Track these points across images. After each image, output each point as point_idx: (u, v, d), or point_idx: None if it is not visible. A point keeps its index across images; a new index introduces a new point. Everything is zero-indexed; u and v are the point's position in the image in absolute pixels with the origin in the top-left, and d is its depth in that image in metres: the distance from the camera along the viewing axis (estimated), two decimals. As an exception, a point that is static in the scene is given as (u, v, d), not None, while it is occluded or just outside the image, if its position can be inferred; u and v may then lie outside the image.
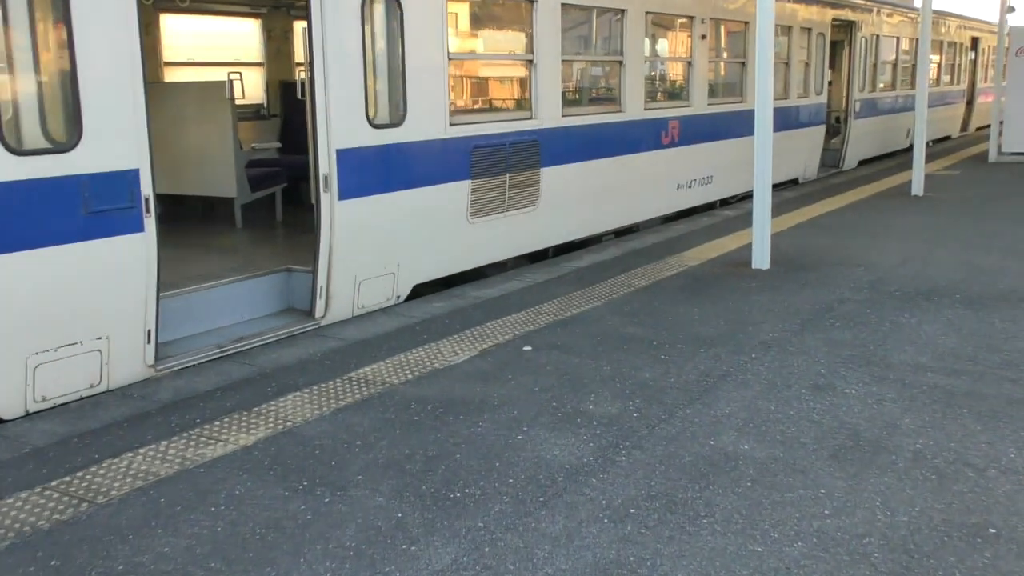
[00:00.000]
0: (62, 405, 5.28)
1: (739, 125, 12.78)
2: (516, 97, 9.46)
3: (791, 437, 4.59)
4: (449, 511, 3.87)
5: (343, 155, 7.00)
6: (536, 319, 6.98)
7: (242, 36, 11.03)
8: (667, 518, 3.78)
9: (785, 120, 14.48)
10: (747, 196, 12.87)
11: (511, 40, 9.21)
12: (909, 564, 3.40)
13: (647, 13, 10.69)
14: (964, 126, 27.00)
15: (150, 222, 5.67)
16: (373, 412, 5.05)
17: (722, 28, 13.05)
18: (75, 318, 5.34)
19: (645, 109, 10.86)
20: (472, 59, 9.39)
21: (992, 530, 3.65)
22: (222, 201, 9.48)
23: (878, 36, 18.61)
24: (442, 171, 8.01)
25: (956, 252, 9.23)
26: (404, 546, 3.60)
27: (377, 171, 7.34)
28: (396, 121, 7.51)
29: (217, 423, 4.90)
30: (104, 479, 4.24)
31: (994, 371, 5.59)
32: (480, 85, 9.13)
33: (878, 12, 18.59)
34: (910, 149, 21.54)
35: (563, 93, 9.55)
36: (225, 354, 6.27)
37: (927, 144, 15.71)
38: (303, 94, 7.09)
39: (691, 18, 11.70)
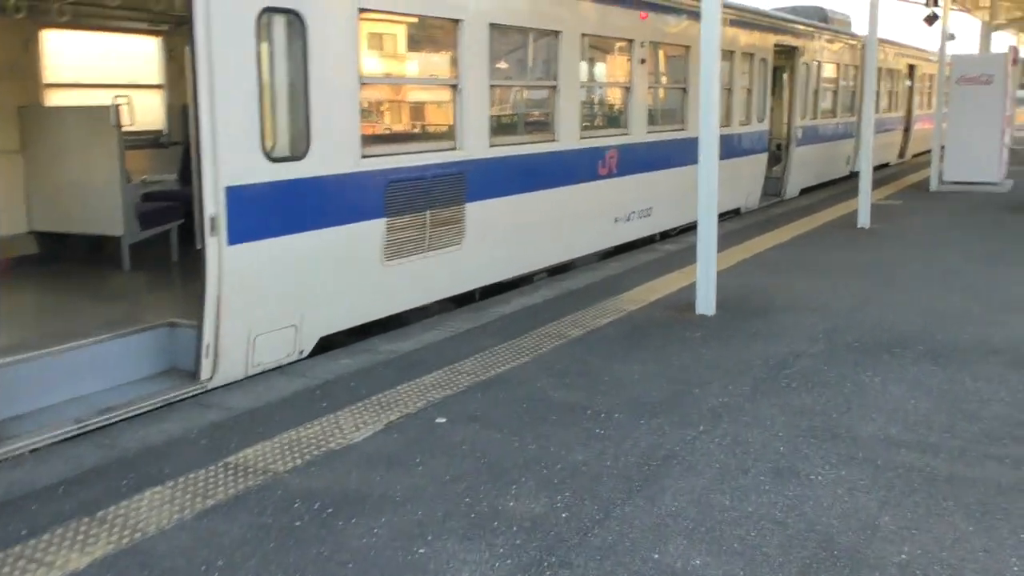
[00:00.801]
0: None
1: (680, 154, 12.12)
2: (439, 126, 8.63)
3: (752, 545, 3.79)
4: (320, 672, 2.98)
5: (234, 193, 6.08)
6: (454, 380, 6.12)
7: (139, 56, 10.02)
8: None
9: (727, 148, 13.83)
10: (689, 228, 12.21)
11: (434, 63, 8.38)
12: None
13: (583, 36, 9.96)
14: (902, 153, 26.87)
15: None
16: (247, 515, 4.14)
17: (662, 52, 12.40)
18: None
19: (581, 138, 10.11)
20: (389, 83, 8.50)
21: None
22: (111, 240, 8.47)
23: (820, 62, 18.20)
24: (353, 209, 7.13)
25: (913, 294, 8.59)
26: None
27: (275, 211, 6.44)
28: (298, 154, 6.61)
29: (47, 536, 3.94)
30: None
31: (974, 446, 4.87)
32: (398, 112, 8.28)
33: (820, 38, 18.20)
34: (850, 177, 21.31)
35: (492, 121, 8.74)
36: (84, 430, 5.30)
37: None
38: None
39: (630, 41, 11.01)
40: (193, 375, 6.15)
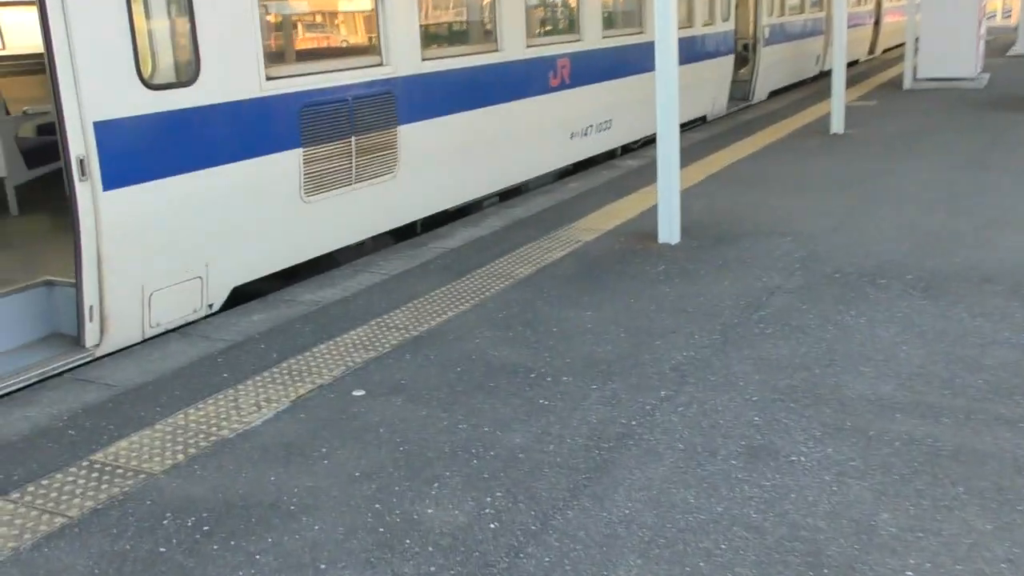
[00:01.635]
0: None
1: (640, 60, 11.15)
2: (360, 39, 7.61)
3: (721, 564, 3.05)
4: None
5: (105, 129, 5.13)
6: (380, 338, 5.30)
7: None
8: None
9: (690, 51, 12.89)
10: (652, 140, 11.32)
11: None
12: None
13: (526, -71, 8.89)
14: (872, 49, 25.89)
15: None
16: (100, 539, 3.34)
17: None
18: None
19: (528, 47, 9.12)
20: None
21: None
22: (-3, 180, 7.49)
23: (787, -46, 17.10)
24: (260, 140, 6.19)
25: (895, 211, 7.82)
26: None
27: (161, 147, 5.49)
28: (185, 78, 5.64)
29: None
30: None
31: (981, 405, 4.14)
32: (310, 25, 7.25)
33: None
34: (819, 77, 20.37)
35: (423, 31, 7.74)
36: (-70, 422, 4.46)
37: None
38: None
39: (580, -65, 9.92)
40: (77, 341, 5.30)
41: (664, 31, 6.84)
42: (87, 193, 5.10)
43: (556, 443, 3.93)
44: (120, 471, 3.85)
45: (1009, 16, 48.46)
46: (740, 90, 16.02)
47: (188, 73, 5.65)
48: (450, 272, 6.58)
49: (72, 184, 5.05)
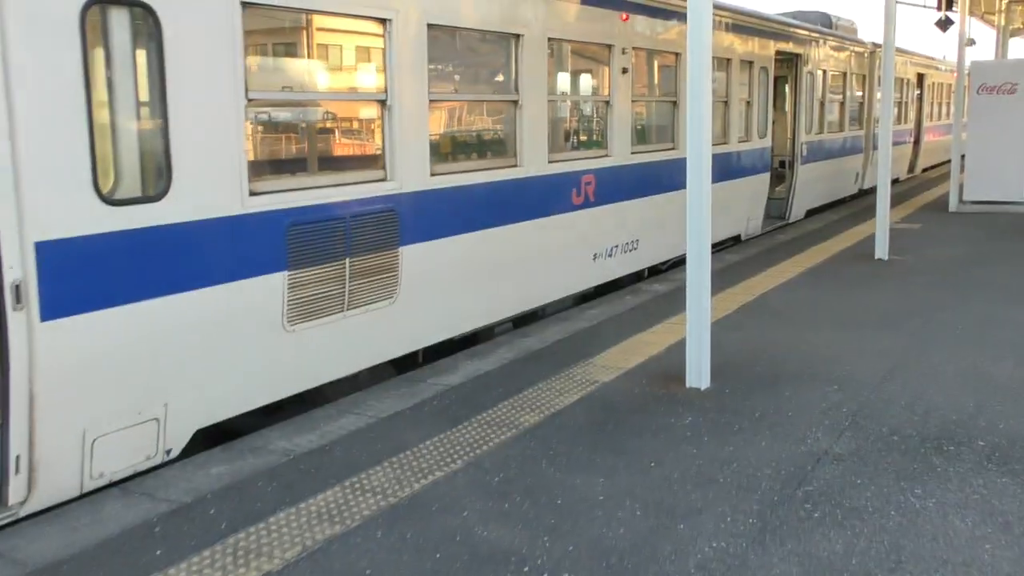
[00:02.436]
0: None
1: (671, 177, 10.48)
2: (362, 151, 7.01)
3: None
4: None
5: (49, 250, 4.46)
6: (352, 505, 4.47)
7: None
8: None
9: (725, 168, 12.26)
10: (681, 260, 10.58)
11: (354, 73, 6.76)
12: None
13: (550, 40, 8.34)
14: (911, 168, 25.27)
15: None
16: None
17: (649, 61, 10.79)
18: None
19: (550, 162, 8.48)
20: (289, 99, 6.78)
21: None
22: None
23: (825, 71, 16.61)
24: (238, 262, 5.49)
25: (954, 355, 6.94)
26: None
27: (118, 271, 4.80)
28: (153, 193, 4.99)
29: None
30: None
31: (1096, 640, 3.22)
32: (305, 135, 6.66)
33: (825, 44, 16.60)
34: (859, 195, 19.70)
35: (434, 145, 7.12)
36: None
37: (874, 189, 13.56)
38: None
39: (609, 47, 9.39)
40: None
41: (697, 149, 6.15)
42: (21, 324, 4.38)
43: None
44: None
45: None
46: (777, 208, 15.35)
47: (157, 186, 5.00)
48: (446, 417, 5.77)
49: (3, 312, 4.34)
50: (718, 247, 12.47)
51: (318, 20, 6.39)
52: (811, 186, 16.18)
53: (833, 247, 12.47)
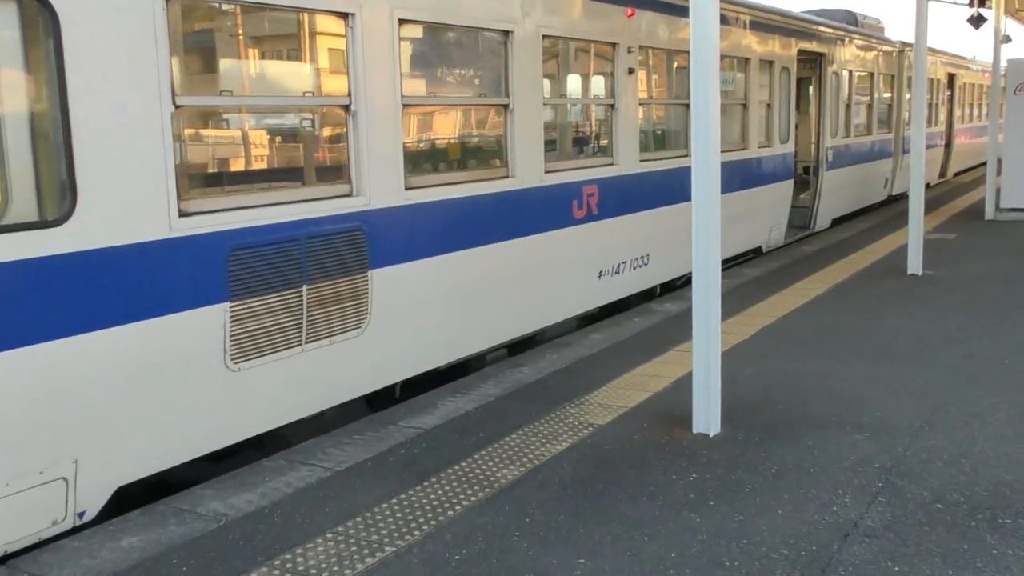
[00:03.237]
0: None
1: (684, 186, 9.59)
2: (322, 162, 6.23)
3: None
4: None
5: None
6: (275, 598, 3.69)
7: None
8: None
9: (744, 176, 11.43)
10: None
11: (311, 74, 5.99)
12: None
13: (545, 37, 7.54)
14: (943, 172, 24.22)
15: None
16: None
17: (660, 60, 9.96)
18: None
19: (547, 172, 7.68)
20: (223, 105, 5.87)
21: None
22: None
23: (851, 72, 15.69)
24: (166, 294, 4.73)
25: (1004, 394, 6.06)
26: None
27: (7, 308, 4.05)
28: (53, 216, 4.24)
29: None
30: None
31: None
32: (250, 144, 5.88)
33: (851, 43, 15.69)
34: (888, 202, 18.73)
35: (409, 155, 6.34)
36: None
37: (904, 195, 12.66)
38: None
39: (613, 46, 8.57)
40: None
41: (703, 157, 5.34)
42: None
43: None
44: None
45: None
46: (800, 217, 14.45)
47: (57, 208, 4.25)
48: (412, 471, 4.97)
49: None
50: (737, 260, 11.62)
51: (267, 14, 5.61)
52: (837, 193, 15.26)
53: (861, 260, 11.57)
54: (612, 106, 8.66)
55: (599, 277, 8.68)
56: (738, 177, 11.10)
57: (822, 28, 14.23)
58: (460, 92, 7.51)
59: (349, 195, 5.81)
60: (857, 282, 10.10)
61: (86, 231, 4.30)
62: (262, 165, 5.94)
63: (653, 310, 8.98)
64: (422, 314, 6.44)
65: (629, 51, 8.66)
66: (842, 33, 15.20)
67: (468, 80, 7.55)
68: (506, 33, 7.05)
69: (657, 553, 3.96)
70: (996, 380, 6.34)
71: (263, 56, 5.88)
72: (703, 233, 5.38)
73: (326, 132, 6.09)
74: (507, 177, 7.25)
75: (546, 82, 7.94)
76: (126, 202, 4.47)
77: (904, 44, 18.30)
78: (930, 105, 21.73)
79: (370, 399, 6.46)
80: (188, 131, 5.17)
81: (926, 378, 6.41)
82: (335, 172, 5.96)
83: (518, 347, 7.86)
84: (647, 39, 9.06)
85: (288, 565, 3.93)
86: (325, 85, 5.89)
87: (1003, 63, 16.53)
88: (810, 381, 6.41)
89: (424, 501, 4.57)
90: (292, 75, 6.04)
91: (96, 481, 4.52)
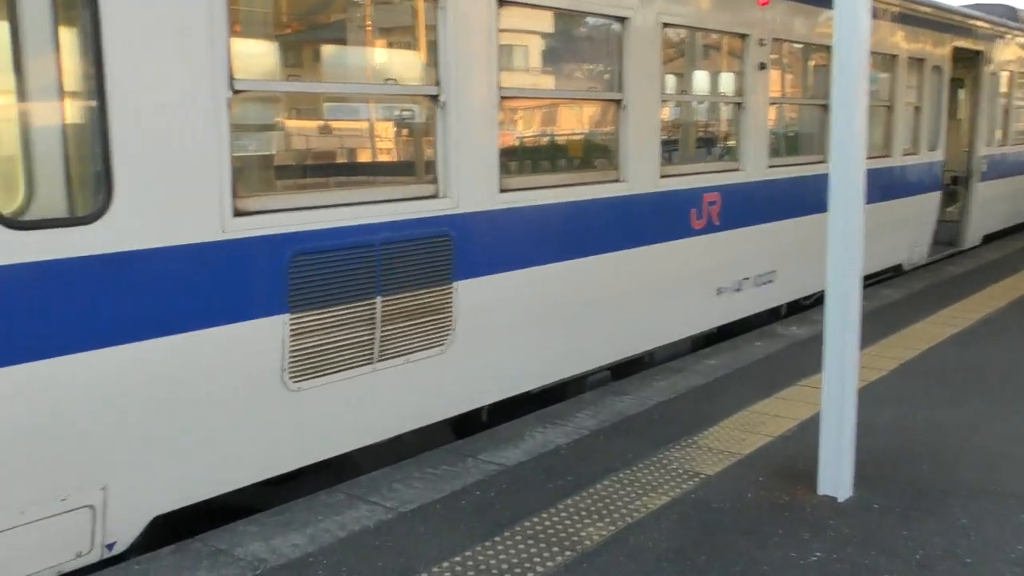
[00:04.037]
0: None
1: (818, 195, 8.65)
2: (403, 159, 5.61)
3: None
4: None
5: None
6: None
7: None
8: None
9: (887, 186, 10.33)
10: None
11: (394, 61, 5.38)
12: None
13: (666, 26, 6.74)
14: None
15: None
16: None
17: (795, 55, 9.02)
18: None
19: (663, 177, 6.88)
20: (296, 91, 5.22)
21: None
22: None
23: (1012, 72, 14.25)
24: (214, 303, 4.18)
25: None
26: None
27: (25, 315, 3.55)
28: (83, 213, 3.73)
29: None
30: None
31: None
32: (322, 138, 5.29)
33: (1012, 41, 14.24)
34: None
35: (505, 153, 5.67)
36: None
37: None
38: None
39: (743, 38, 7.70)
40: None
41: (845, 164, 4.47)
42: None
43: None
44: None
45: None
46: (947, 232, 13.15)
47: (89, 203, 3.74)
48: (484, 520, 4.30)
49: None
50: (874, 279, 10.53)
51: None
52: (990, 207, 13.87)
53: (1020, 285, 10.31)
54: (739, 105, 7.79)
55: (718, 294, 7.83)
56: (878, 187, 10.00)
57: (979, 23, 12.89)
58: (567, 85, 6.79)
59: (434, 196, 5.17)
60: (1015, 312, 8.92)
61: (122, 231, 3.77)
62: (332, 160, 5.34)
63: (778, 333, 8.07)
64: (513, 331, 5.77)
65: (761, 44, 7.78)
66: (1002, 29, 13.79)
67: (576, 72, 6.83)
68: (622, 20, 6.29)
69: (769, 663, 3.18)
70: None
71: (336, 39, 5.28)
72: (840, 254, 4.52)
73: (409, 126, 5.47)
74: (617, 181, 6.50)
75: (667, 77, 7.14)
76: (171, 199, 3.93)
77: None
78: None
79: (455, 423, 5.85)
80: (248, 120, 4.62)
81: (1108, 439, 5.37)
82: (418, 170, 5.34)
83: (623, 370, 7.11)
84: (782, 31, 8.15)
85: (321, 638, 3.32)
86: (410, 72, 5.27)
87: None
88: (961, 434, 5.45)
89: (492, 563, 3.89)
90: (372, 60, 5.44)
91: (129, 510, 4.01)
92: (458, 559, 3.92)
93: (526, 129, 6.44)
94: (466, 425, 5.87)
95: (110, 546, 4.00)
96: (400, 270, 4.96)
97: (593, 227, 6.31)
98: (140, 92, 3.76)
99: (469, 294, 5.37)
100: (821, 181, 4.72)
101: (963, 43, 12.24)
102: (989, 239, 14.21)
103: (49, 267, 3.58)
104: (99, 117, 3.66)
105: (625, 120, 6.44)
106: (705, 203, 7.37)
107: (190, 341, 4.08)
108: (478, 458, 5.12)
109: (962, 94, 13.63)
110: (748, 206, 7.91)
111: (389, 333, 4.95)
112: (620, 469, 4.92)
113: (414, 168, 5.40)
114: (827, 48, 8.76)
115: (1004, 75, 13.92)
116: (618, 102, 6.39)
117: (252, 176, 4.65)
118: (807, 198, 8.57)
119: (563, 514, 4.37)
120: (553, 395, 6.38)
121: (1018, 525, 4.24)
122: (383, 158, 5.49)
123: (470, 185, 5.30)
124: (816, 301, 9.36)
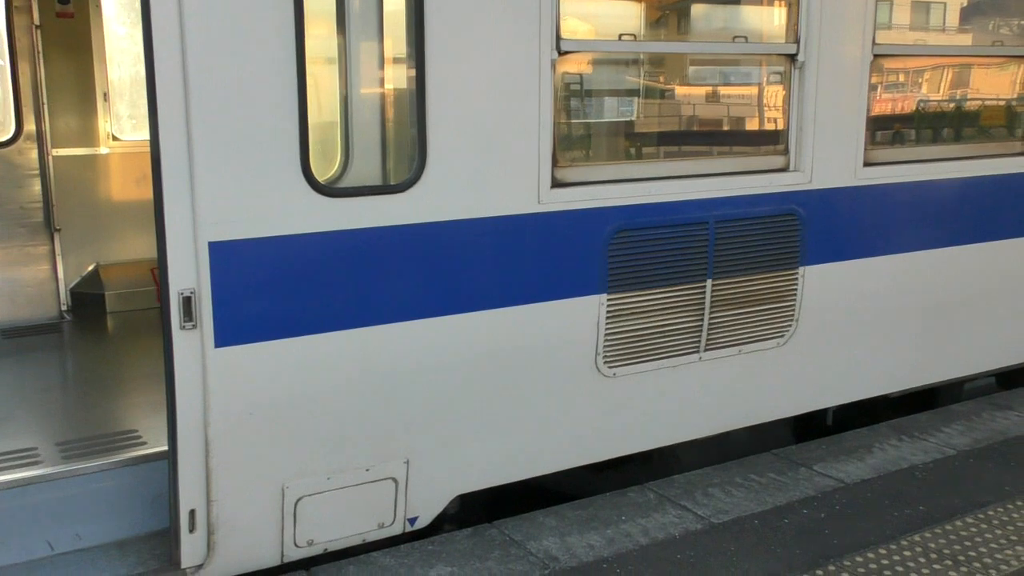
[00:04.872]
0: None
1: None
2: (743, 127, 4.98)
3: None
4: None
5: (227, 253, 3.32)
6: None
7: None
8: None
9: None
10: None
11: (744, 16, 4.77)
12: None
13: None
14: None
15: None
16: None
17: None
18: None
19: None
20: (620, 51, 4.66)
21: None
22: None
23: None
24: (523, 281, 3.95)
25: None
26: None
27: (320, 285, 3.51)
28: (397, 179, 3.65)
29: None
30: None
31: None
32: (649, 103, 4.76)
33: None
34: None
35: (872, 120, 4.87)
36: None
37: None
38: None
39: None
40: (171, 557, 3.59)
41: None
42: (192, 347, 3.32)
43: None
44: None
45: None
46: None
47: (401, 170, 3.65)
48: (806, 548, 3.71)
49: (168, 332, 3.30)
50: None
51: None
52: None
53: None
54: None
55: None
56: None
57: None
58: (958, 40, 5.74)
59: (783, 170, 4.56)
60: None
61: (435, 200, 3.64)
62: (656, 128, 4.88)
63: None
64: (869, 325, 5.01)
65: None
66: None
67: (974, 25, 5.75)
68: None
69: None
70: None
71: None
72: None
73: (754, 89, 4.87)
74: (1022, 153, 5.42)
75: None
76: (486, 168, 3.74)
77: None
78: None
79: (795, 425, 5.24)
80: (569, 83, 4.31)
81: None
82: (763, 140, 4.74)
83: (1014, 378, 6.01)
84: None
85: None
86: (763, 29, 4.67)
87: None
88: None
89: (807, 604, 3.33)
90: (716, 17, 4.89)
91: (431, 486, 3.94)
92: (767, 592, 3.41)
93: (901, 93, 5.53)
94: (808, 428, 5.25)
95: (412, 520, 3.96)
96: (737, 251, 4.43)
97: (981, 208, 5.31)
98: (458, 57, 3.59)
99: (819, 281, 4.72)
100: None
101: None
102: None
103: (361, 235, 3.54)
104: (416, 84, 3.53)
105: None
106: None
107: (499, 318, 3.90)
108: (813, 468, 4.50)
109: None
110: None
111: (719, 320, 4.46)
112: (991, 505, 4.07)
113: (760, 138, 4.81)
114: None
115: None
116: (1028, 59, 5.30)
117: (573, 144, 4.35)
118: None
119: (906, 552, 3.67)
120: (917, 402, 5.52)
121: None
122: (723, 126, 4.95)
123: (827, 158, 4.62)
124: None
